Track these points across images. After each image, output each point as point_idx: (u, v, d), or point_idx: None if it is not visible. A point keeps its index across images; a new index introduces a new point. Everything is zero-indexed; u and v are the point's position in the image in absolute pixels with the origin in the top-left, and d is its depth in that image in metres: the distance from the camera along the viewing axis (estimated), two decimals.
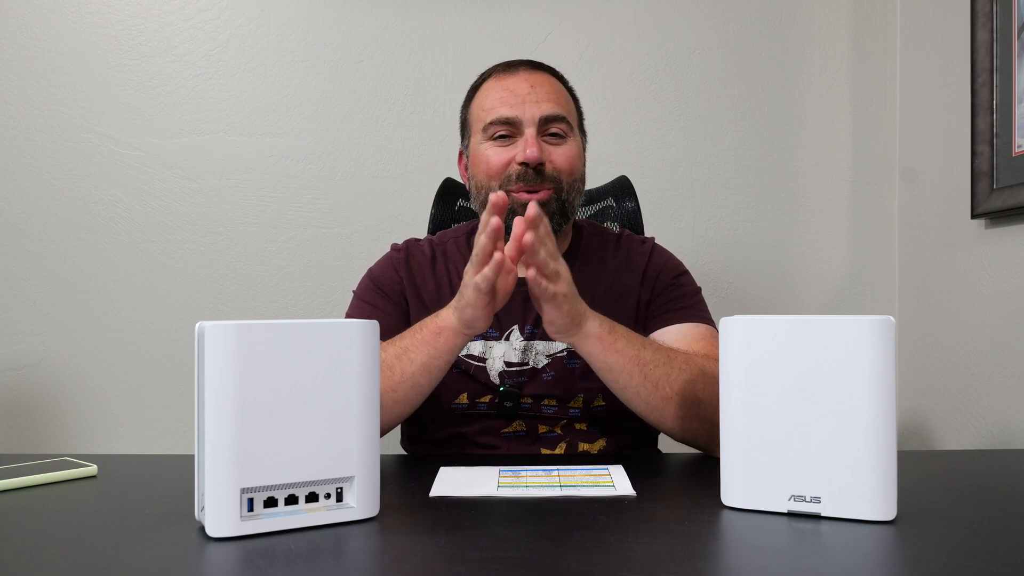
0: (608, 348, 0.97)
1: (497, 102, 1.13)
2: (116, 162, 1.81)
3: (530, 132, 1.11)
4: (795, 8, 1.86)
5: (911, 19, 1.80)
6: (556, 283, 0.91)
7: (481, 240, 0.89)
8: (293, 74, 1.83)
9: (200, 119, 1.82)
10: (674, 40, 1.85)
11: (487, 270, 0.89)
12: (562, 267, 0.93)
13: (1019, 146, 1.41)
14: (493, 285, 0.90)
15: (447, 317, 0.98)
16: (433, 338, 0.99)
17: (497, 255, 0.89)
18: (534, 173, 1.10)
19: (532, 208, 0.89)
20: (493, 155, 1.13)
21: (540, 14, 1.84)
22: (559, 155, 1.13)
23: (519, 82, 1.14)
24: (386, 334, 1.08)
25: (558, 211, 1.13)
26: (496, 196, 0.88)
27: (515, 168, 1.11)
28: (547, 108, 1.12)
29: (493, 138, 1.13)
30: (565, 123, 1.14)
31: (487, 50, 1.81)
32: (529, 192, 1.11)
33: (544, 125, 1.12)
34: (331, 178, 1.83)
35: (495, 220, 0.88)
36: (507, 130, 1.12)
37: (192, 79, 1.82)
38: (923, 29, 1.76)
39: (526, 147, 1.10)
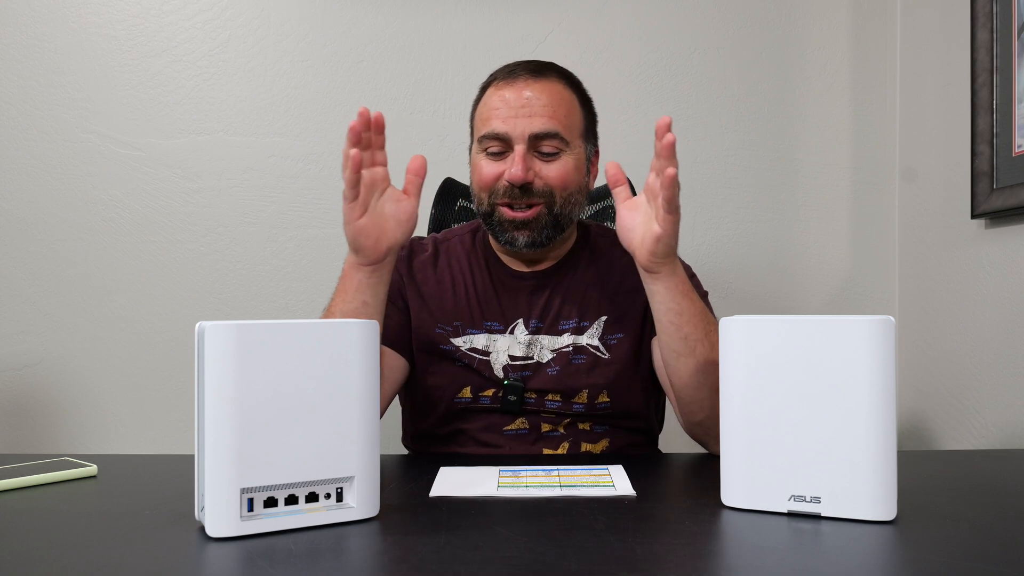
0: (687, 292, 0.98)
1: (492, 114, 1.12)
2: (116, 162, 1.81)
3: (519, 149, 1.09)
4: (795, 8, 1.85)
5: (911, 19, 1.80)
6: (675, 206, 0.91)
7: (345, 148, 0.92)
8: (293, 74, 1.83)
9: (200, 119, 1.82)
10: (674, 40, 1.85)
11: (345, 171, 0.92)
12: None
13: (1019, 146, 1.41)
14: (356, 190, 0.93)
15: (347, 261, 1.01)
16: (342, 285, 1.01)
17: (352, 152, 0.91)
18: (520, 191, 1.10)
19: (665, 119, 0.89)
20: (485, 168, 1.13)
21: (540, 14, 1.84)
22: (550, 172, 1.11)
23: (515, 93, 1.11)
24: (386, 334, 1.09)
25: (550, 225, 1.12)
26: (363, 110, 0.92)
27: (503, 184, 1.11)
28: (538, 124, 1.09)
29: (486, 151, 1.13)
30: (558, 139, 1.10)
31: (487, 50, 1.81)
32: (516, 210, 1.11)
33: (535, 141, 1.10)
34: (331, 178, 1.83)
35: (354, 124, 0.91)
36: (499, 146, 1.11)
37: (192, 79, 1.82)
38: (923, 29, 1.76)
39: (512, 166, 1.09)
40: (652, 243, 0.94)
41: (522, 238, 1.12)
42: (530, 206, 1.10)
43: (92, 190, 1.80)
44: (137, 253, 1.81)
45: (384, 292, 1.01)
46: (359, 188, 0.94)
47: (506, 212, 1.11)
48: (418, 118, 1.84)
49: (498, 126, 1.10)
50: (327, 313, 1.02)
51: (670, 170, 0.87)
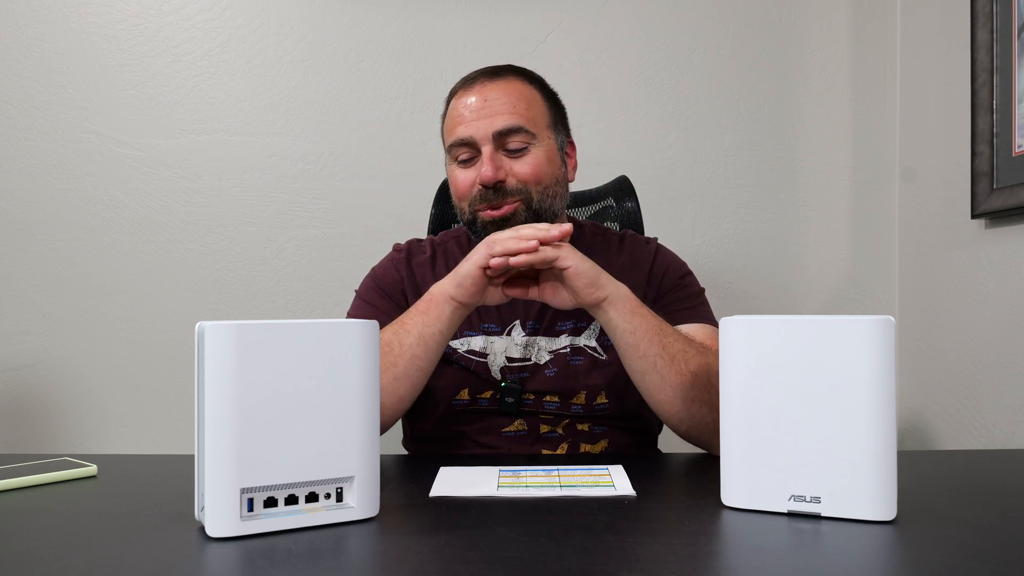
0: (636, 310, 0.98)
1: (456, 122, 1.13)
2: (116, 162, 1.81)
3: (486, 151, 1.10)
4: (795, 8, 1.86)
5: (911, 19, 1.80)
6: (559, 248, 0.96)
7: (510, 245, 0.95)
8: (293, 74, 1.83)
9: (200, 119, 1.82)
10: (674, 40, 1.85)
11: (497, 259, 0.95)
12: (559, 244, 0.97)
13: (1019, 146, 1.41)
14: (497, 273, 0.97)
15: (441, 285, 1.01)
16: (426, 307, 1.02)
17: (507, 261, 0.95)
18: (494, 192, 1.10)
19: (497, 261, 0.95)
20: (459, 177, 1.14)
21: (540, 14, 1.84)
22: (522, 168, 1.11)
23: (473, 97, 1.13)
24: None
25: (531, 219, 1.12)
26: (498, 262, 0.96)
27: (477, 189, 1.11)
28: (499, 122, 1.10)
29: (457, 160, 1.14)
30: (523, 133, 1.11)
31: (487, 50, 1.81)
32: (493, 209, 1.11)
33: (500, 139, 1.11)
34: (331, 178, 1.83)
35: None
36: (468, 152, 1.12)
37: (192, 79, 1.82)
38: (923, 29, 1.76)
39: (482, 167, 1.10)
40: (572, 281, 0.96)
41: None
42: (508, 204, 1.11)
43: (92, 190, 1.80)
44: (137, 253, 1.81)
45: (452, 333, 1.04)
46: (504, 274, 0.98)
47: (485, 214, 1.12)
48: (418, 118, 1.84)
49: (462, 131, 1.12)
50: (399, 325, 1.03)
51: (514, 260, 0.95)
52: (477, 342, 1.14)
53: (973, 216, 1.51)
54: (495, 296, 1.01)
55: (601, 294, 0.97)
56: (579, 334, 1.15)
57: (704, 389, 0.99)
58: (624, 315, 0.98)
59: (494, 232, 1.11)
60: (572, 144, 1.22)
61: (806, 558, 0.61)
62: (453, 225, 1.42)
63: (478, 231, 1.13)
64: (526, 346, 1.14)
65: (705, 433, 1.02)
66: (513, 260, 0.94)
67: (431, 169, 1.79)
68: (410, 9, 1.83)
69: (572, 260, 0.95)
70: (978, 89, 1.49)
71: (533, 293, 1.00)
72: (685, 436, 1.05)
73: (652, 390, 1.01)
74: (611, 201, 1.47)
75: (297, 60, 1.83)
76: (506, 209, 1.11)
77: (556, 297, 0.99)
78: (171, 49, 1.81)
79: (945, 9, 1.65)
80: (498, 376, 1.13)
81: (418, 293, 1.18)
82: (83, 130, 1.80)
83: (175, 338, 1.81)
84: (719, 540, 0.67)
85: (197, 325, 0.65)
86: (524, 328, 1.15)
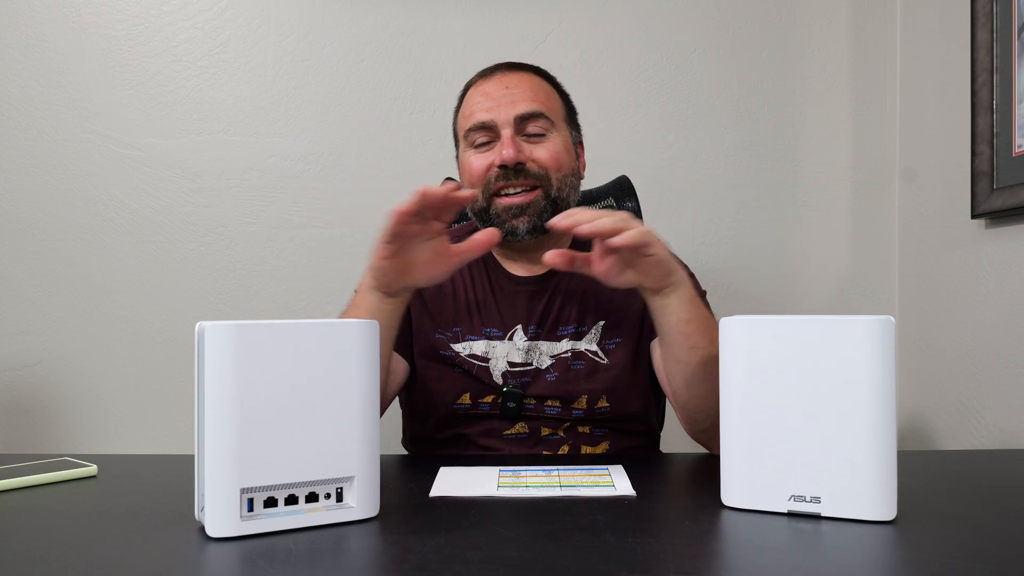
0: (695, 299, 0.97)
1: (475, 108, 1.13)
2: (116, 162, 1.81)
3: (506, 133, 1.10)
4: (795, 8, 1.85)
5: (911, 19, 1.80)
6: (647, 237, 0.89)
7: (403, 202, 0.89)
8: (293, 74, 1.83)
9: (200, 119, 1.82)
10: (674, 40, 1.85)
11: (390, 223, 0.91)
12: (634, 223, 0.89)
13: (1019, 146, 1.41)
14: (395, 242, 0.92)
15: (365, 278, 0.99)
16: (357, 299, 1.00)
17: (401, 210, 0.90)
18: (514, 173, 1.10)
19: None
20: (474, 161, 1.13)
21: (540, 14, 1.84)
22: (541, 152, 1.11)
23: (494, 85, 1.13)
24: None
25: (548, 210, 1.11)
26: (451, 188, 0.91)
27: (494, 171, 1.11)
28: (522, 107, 1.11)
29: (474, 145, 1.13)
30: (544, 119, 1.12)
31: (487, 50, 1.81)
32: (513, 194, 1.10)
33: (521, 124, 1.11)
34: (331, 178, 1.83)
35: (425, 191, 0.89)
36: (486, 136, 1.12)
37: (192, 79, 1.82)
38: (923, 29, 1.76)
39: (502, 148, 1.09)
40: (651, 268, 0.92)
41: (522, 225, 1.11)
42: (526, 189, 1.11)
43: (92, 190, 1.80)
44: (137, 253, 1.81)
45: (397, 321, 0.99)
46: (397, 241, 0.92)
47: (503, 201, 1.11)
48: (418, 118, 1.84)
49: (482, 115, 1.12)
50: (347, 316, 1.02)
51: (615, 241, 0.87)
52: (479, 346, 1.14)
53: (973, 216, 1.51)
54: (421, 276, 0.96)
55: (669, 280, 0.94)
56: (580, 338, 1.15)
57: None
58: (684, 303, 0.95)
59: (512, 220, 1.10)
60: (582, 145, 1.22)
61: (806, 558, 0.61)
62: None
63: (492, 218, 1.12)
64: (528, 351, 1.14)
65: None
66: (585, 228, 0.87)
67: (431, 169, 1.79)
68: (410, 9, 1.83)
69: (659, 248, 0.90)
70: (978, 89, 1.49)
71: (593, 268, 0.93)
72: (704, 433, 1.04)
73: (695, 381, 0.98)
74: (611, 201, 1.47)
75: (297, 60, 1.83)
76: (526, 197, 1.10)
77: (619, 277, 0.93)
78: (171, 49, 1.81)
79: (945, 9, 1.65)
80: (499, 381, 1.13)
81: (420, 296, 1.18)
82: (83, 130, 1.80)
83: (175, 338, 1.81)
84: (719, 540, 0.67)
85: (197, 325, 0.65)
86: (526, 332, 1.15)
